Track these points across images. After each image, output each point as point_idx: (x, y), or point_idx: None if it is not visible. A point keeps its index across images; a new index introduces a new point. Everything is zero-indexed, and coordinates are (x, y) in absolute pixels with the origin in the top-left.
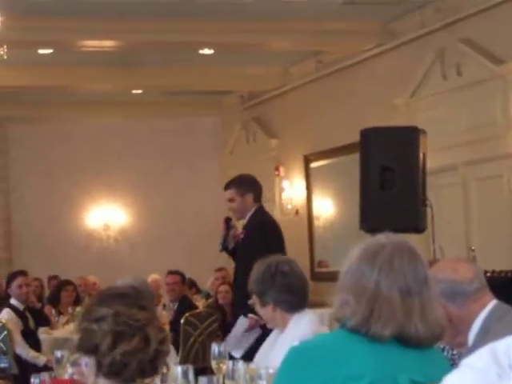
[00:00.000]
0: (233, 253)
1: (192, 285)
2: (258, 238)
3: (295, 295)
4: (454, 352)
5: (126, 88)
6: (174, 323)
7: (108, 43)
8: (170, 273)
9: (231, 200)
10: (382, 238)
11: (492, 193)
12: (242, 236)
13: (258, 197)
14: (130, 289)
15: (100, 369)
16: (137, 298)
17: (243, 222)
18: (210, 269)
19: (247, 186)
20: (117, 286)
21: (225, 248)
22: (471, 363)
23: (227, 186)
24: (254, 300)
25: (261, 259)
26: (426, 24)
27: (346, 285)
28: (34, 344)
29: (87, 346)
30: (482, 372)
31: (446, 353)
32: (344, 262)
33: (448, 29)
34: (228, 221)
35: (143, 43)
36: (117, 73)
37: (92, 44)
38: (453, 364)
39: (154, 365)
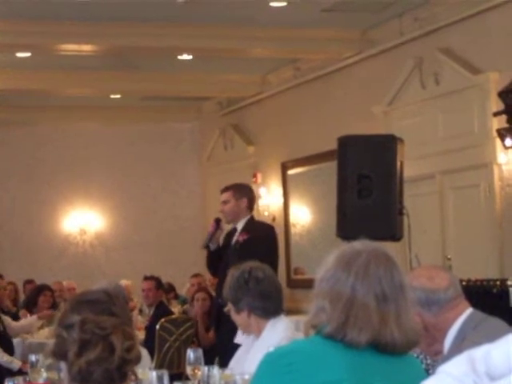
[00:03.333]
0: (213, 253)
1: (170, 289)
2: (263, 241)
3: (270, 301)
4: (429, 361)
5: (105, 93)
6: (150, 328)
7: (87, 47)
8: (146, 278)
9: (226, 202)
10: (358, 244)
11: (469, 202)
12: (242, 238)
13: (251, 204)
14: (101, 294)
15: (70, 375)
16: (108, 303)
17: (229, 227)
18: (186, 274)
19: (244, 191)
20: (89, 292)
21: (206, 247)
22: (448, 370)
23: (225, 189)
24: (229, 307)
25: (267, 262)
26: (405, 33)
27: (321, 291)
28: (8, 348)
29: (59, 353)
30: (459, 379)
31: (420, 362)
32: (320, 268)
33: (426, 38)
34: (219, 221)
35: (122, 48)
36: (95, 77)
37: (71, 48)
38: (427, 373)
39: (121, 373)
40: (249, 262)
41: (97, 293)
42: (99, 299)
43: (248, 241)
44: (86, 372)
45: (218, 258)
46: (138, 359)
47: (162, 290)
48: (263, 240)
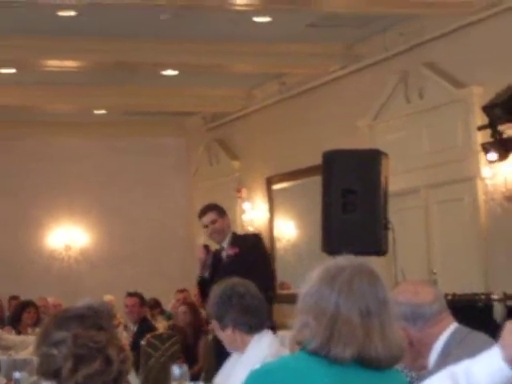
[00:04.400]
0: (207, 281)
1: (156, 305)
2: (254, 249)
3: (253, 316)
4: (413, 374)
5: (89, 108)
6: (134, 345)
7: (71, 63)
8: (129, 295)
9: (213, 221)
10: (342, 259)
11: (453, 216)
12: (233, 252)
13: (229, 223)
14: (87, 310)
15: None
16: (95, 318)
17: (217, 246)
18: (172, 289)
19: (223, 210)
20: (73, 308)
21: (202, 276)
22: None
23: (205, 211)
24: (213, 324)
25: (263, 267)
26: (390, 47)
27: (305, 307)
28: None
29: (47, 371)
30: None
31: (405, 375)
32: (304, 283)
33: (411, 52)
34: (208, 247)
35: (106, 63)
36: (79, 93)
37: (55, 64)
38: None
39: None
40: (234, 279)
41: (81, 308)
42: (85, 314)
43: (240, 253)
44: None
45: (211, 284)
46: (129, 370)
47: (145, 305)
48: (254, 249)
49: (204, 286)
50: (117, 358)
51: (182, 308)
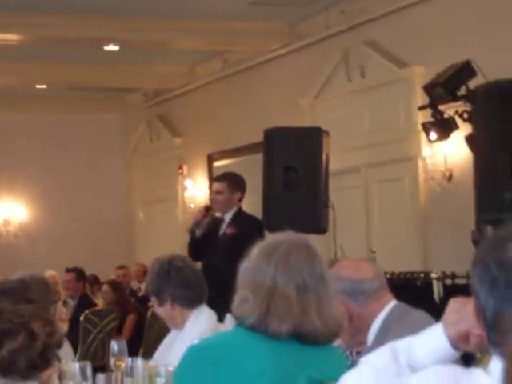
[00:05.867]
0: (198, 239)
1: (95, 281)
2: (251, 235)
3: (192, 290)
4: (355, 358)
5: (30, 82)
6: (73, 321)
7: (12, 37)
8: (67, 270)
9: (219, 192)
10: (281, 235)
11: (393, 195)
12: (231, 232)
13: (243, 198)
14: (15, 283)
15: None
16: (23, 291)
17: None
18: (112, 265)
19: (239, 184)
20: (3, 282)
21: (192, 232)
22: (371, 361)
23: (220, 179)
24: (152, 301)
25: None
26: (332, 26)
27: (244, 282)
28: None
29: None
30: (381, 370)
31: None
32: (244, 259)
33: (353, 31)
34: (208, 209)
35: (48, 38)
36: (21, 67)
37: None
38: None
39: (44, 358)
40: (172, 253)
41: (10, 282)
42: (14, 288)
43: (236, 235)
44: (9, 362)
45: (204, 246)
46: (59, 343)
47: (83, 281)
48: (251, 234)
49: (193, 244)
50: (42, 331)
51: (105, 287)
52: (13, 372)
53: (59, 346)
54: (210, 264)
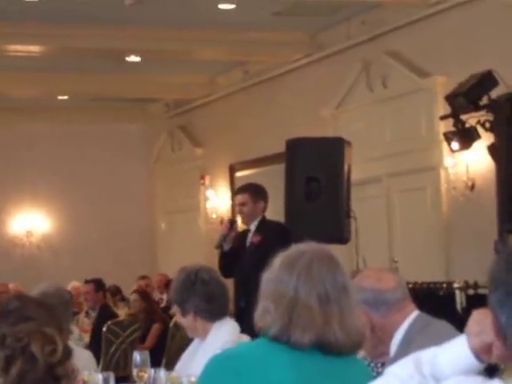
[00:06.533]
0: (227, 254)
1: (116, 292)
2: (276, 240)
3: (216, 303)
4: (380, 370)
5: (52, 94)
6: (94, 331)
7: (35, 48)
8: (86, 282)
9: (243, 204)
10: (303, 246)
11: (415, 205)
12: (256, 240)
13: (266, 207)
14: (13, 303)
15: None
16: (20, 310)
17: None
18: (134, 276)
19: (261, 194)
20: (2, 304)
21: (220, 247)
22: (395, 372)
23: (241, 191)
24: (175, 309)
25: None
26: (353, 36)
27: (266, 292)
28: None
29: None
30: (405, 381)
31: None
32: (266, 270)
33: (374, 41)
34: (233, 222)
35: (70, 49)
36: (43, 78)
37: (18, 49)
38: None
39: (53, 375)
40: (199, 264)
41: (8, 303)
42: (10, 310)
43: (261, 243)
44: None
45: (234, 259)
46: (67, 355)
47: (102, 292)
48: (276, 239)
49: (223, 259)
50: (41, 353)
51: (133, 296)
52: None
53: (68, 356)
54: (241, 275)
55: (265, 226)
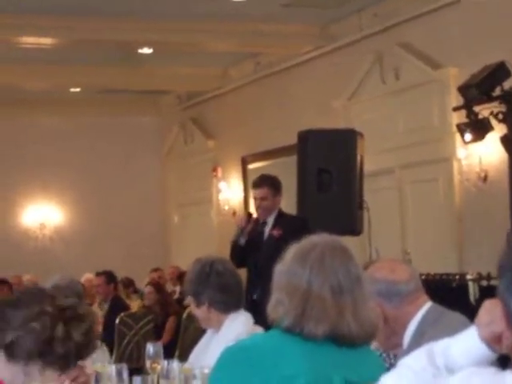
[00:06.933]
0: (241, 247)
1: (129, 284)
2: (298, 234)
3: (230, 295)
4: (392, 361)
5: (64, 86)
6: (107, 323)
7: (46, 40)
8: (97, 274)
9: (264, 198)
10: (315, 237)
11: (428, 196)
12: (277, 233)
13: (281, 200)
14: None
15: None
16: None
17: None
18: (147, 268)
19: (279, 188)
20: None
21: (237, 241)
22: (409, 364)
23: (260, 184)
24: (189, 300)
25: None
26: (364, 28)
27: (279, 284)
28: None
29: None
30: (419, 373)
31: (383, 360)
32: (279, 262)
33: (386, 33)
34: (251, 216)
35: (82, 41)
36: (55, 71)
37: (30, 41)
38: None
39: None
40: (214, 255)
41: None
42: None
43: (283, 236)
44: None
45: (247, 252)
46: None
47: (114, 284)
48: (298, 234)
49: (237, 252)
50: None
51: (148, 288)
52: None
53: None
54: (259, 268)
55: (284, 219)
